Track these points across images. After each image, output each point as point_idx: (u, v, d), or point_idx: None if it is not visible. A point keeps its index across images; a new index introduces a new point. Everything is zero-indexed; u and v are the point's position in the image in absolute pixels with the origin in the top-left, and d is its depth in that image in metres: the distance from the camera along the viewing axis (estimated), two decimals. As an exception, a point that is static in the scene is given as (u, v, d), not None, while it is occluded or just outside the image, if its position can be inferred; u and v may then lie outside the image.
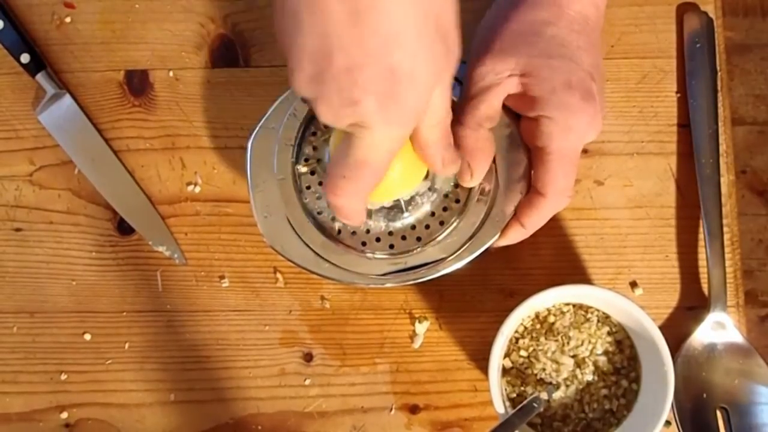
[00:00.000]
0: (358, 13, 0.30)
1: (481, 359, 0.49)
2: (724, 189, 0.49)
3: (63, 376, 0.50)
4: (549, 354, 0.44)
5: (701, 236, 0.49)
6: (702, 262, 0.49)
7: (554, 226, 0.50)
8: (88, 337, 0.50)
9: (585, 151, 0.50)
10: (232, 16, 0.52)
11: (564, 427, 0.45)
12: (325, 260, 0.44)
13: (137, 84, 0.52)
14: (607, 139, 0.50)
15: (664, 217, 0.50)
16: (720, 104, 0.50)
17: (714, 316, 0.47)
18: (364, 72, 0.31)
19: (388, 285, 0.44)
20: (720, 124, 0.50)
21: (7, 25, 0.50)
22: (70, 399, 0.50)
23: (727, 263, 0.48)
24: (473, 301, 0.49)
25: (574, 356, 0.45)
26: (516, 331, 0.46)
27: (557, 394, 0.45)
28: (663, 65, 0.51)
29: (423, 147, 0.38)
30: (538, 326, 0.45)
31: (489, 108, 0.41)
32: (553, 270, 0.49)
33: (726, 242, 0.48)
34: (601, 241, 0.49)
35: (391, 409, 0.49)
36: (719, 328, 0.47)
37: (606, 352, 0.45)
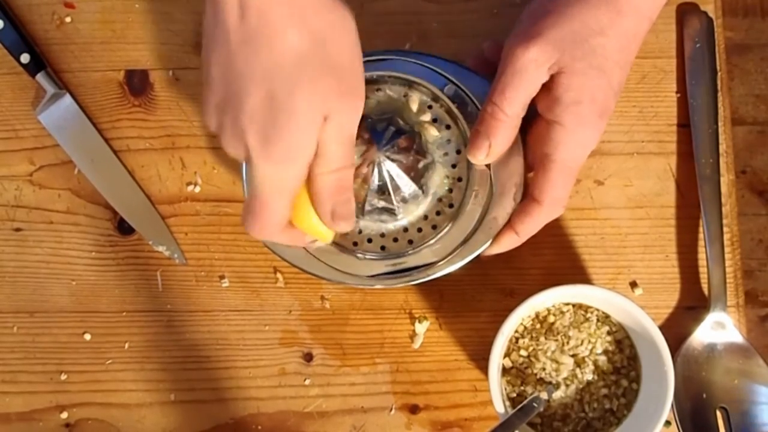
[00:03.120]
0: (250, 35, 0.31)
1: (480, 359, 0.49)
2: (724, 189, 0.49)
3: (63, 376, 0.50)
4: (549, 354, 0.44)
5: (701, 236, 0.49)
6: (702, 262, 0.49)
7: (554, 226, 0.49)
8: (88, 337, 0.50)
9: (585, 151, 0.50)
10: (232, 16, 0.52)
11: (564, 426, 0.45)
12: (317, 259, 0.44)
13: (137, 84, 0.52)
14: (607, 139, 0.50)
15: (664, 217, 0.50)
16: (720, 104, 0.50)
17: (714, 316, 0.47)
18: (249, 99, 0.32)
19: (378, 286, 0.44)
20: (720, 123, 0.50)
21: (7, 25, 0.50)
22: (70, 399, 0.50)
23: (727, 263, 0.48)
24: (473, 301, 0.49)
25: (573, 356, 0.45)
26: (516, 331, 0.46)
27: (557, 394, 0.45)
28: (663, 65, 0.51)
29: (312, 194, 0.36)
30: (538, 326, 0.45)
31: (525, 95, 0.39)
32: (553, 270, 0.49)
33: (726, 242, 0.48)
34: (601, 241, 0.49)
35: (391, 409, 0.49)
36: (719, 328, 0.47)
37: (606, 352, 0.45)
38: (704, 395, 0.47)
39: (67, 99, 0.51)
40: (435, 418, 0.49)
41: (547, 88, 0.39)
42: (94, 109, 0.52)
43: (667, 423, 0.47)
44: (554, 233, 0.49)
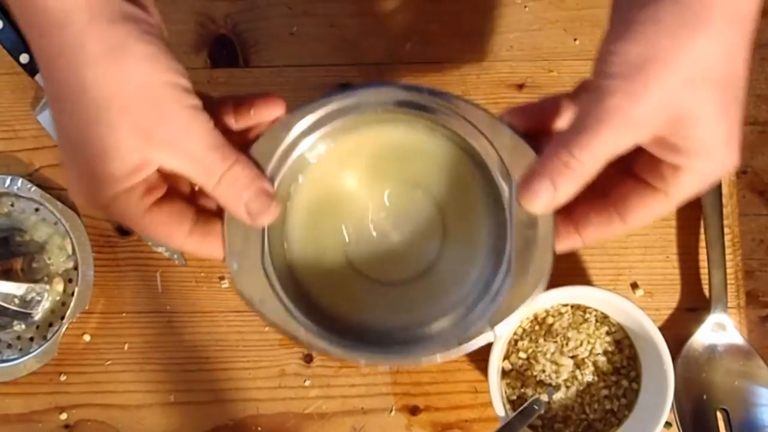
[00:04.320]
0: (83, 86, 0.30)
1: (480, 360, 0.48)
2: (725, 189, 0.49)
3: (62, 377, 0.50)
4: (548, 355, 0.44)
5: (702, 237, 0.49)
6: (703, 263, 0.49)
7: (555, 226, 0.49)
8: (87, 338, 0.50)
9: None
10: (232, 16, 0.52)
11: (565, 428, 0.45)
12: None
13: (137, 84, 0.52)
14: (607, 139, 0.50)
15: (664, 218, 0.49)
16: (721, 105, 0.50)
17: (714, 318, 0.47)
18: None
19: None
20: (721, 124, 0.49)
21: (6, 25, 0.50)
22: (70, 400, 0.50)
23: (728, 264, 0.48)
24: (473, 302, 0.49)
25: (573, 357, 0.45)
26: (515, 333, 0.45)
27: (557, 396, 0.44)
28: (664, 66, 0.51)
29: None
30: (537, 328, 0.45)
31: (617, 151, 0.31)
32: (554, 271, 0.49)
33: (727, 243, 0.48)
34: (602, 242, 0.49)
35: (391, 411, 0.49)
36: (720, 330, 0.47)
37: (605, 352, 0.45)
38: (705, 397, 0.47)
39: (67, 99, 0.51)
40: (435, 420, 0.49)
41: (664, 138, 0.31)
42: (93, 110, 0.51)
43: (668, 424, 0.47)
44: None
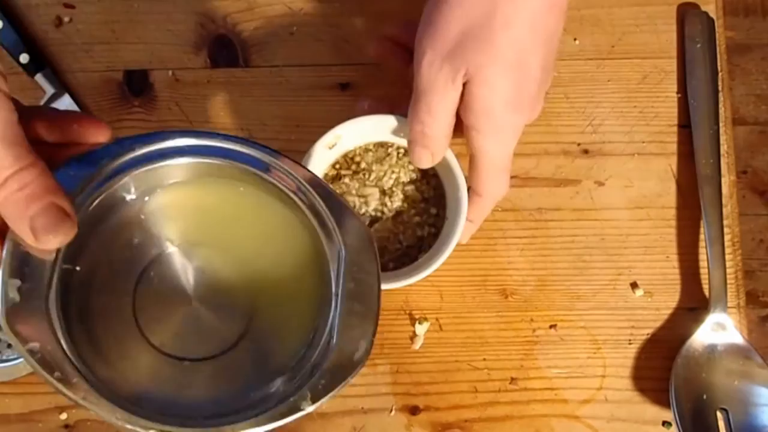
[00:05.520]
0: None
1: (481, 360, 0.48)
2: (725, 189, 0.49)
3: (62, 377, 0.50)
4: (354, 192, 0.46)
5: (702, 237, 0.49)
6: (703, 263, 0.49)
7: (555, 226, 0.49)
8: (87, 337, 0.50)
9: (585, 152, 0.50)
10: (232, 16, 0.52)
11: (382, 257, 0.46)
12: None
13: (137, 84, 0.52)
14: (607, 139, 0.50)
15: (664, 218, 0.49)
16: (721, 104, 0.50)
17: (714, 317, 0.47)
18: None
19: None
20: (721, 124, 0.50)
21: (6, 25, 0.50)
22: (70, 400, 0.50)
23: (728, 264, 0.48)
24: (473, 301, 0.49)
25: (377, 187, 0.46)
26: (326, 176, 0.47)
27: (375, 227, 0.46)
28: (664, 65, 0.51)
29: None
30: (344, 171, 0.47)
31: (448, 110, 0.40)
32: (554, 270, 0.49)
33: (727, 243, 0.48)
34: (602, 242, 0.49)
35: (391, 410, 0.49)
36: (720, 329, 0.47)
37: (412, 181, 0.47)
38: (705, 396, 0.47)
39: (67, 99, 0.51)
40: (435, 420, 0.49)
41: (463, 100, 0.39)
42: (93, 110, 0.52)
43: (668, 424, 0.47)
44: (555, 233, 0.49)
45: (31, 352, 0.29)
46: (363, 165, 0.47)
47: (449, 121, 0.40)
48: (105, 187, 0.32)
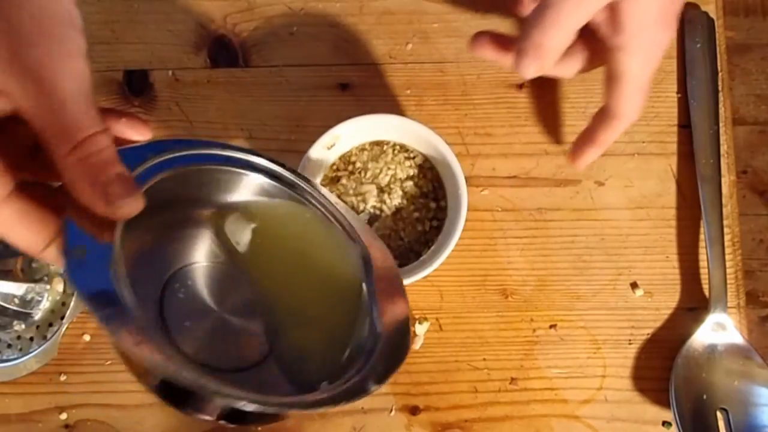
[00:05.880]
0: None
1: (481, 360, 0.48)
2: (725, 189, 0.49)
3: (62, 377, 0.50)
4: (351, 192, 0.46)
5: (702, 237, 0.49)
6: (703, 263, 0.49)
7: (555, 226, 0.49)
8: (87, 338, 0.50)
9: (585, 152, 0.50)
10: (232, 16, 0.52)
11: None
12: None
13: (137, 84, 0.52)
14: (607, 139, 0.50)
15: (664, 218, 0.49)
16: (721, 104, 0.50)
17: (714, 317, 0.47)
18: None
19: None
20: (721, 124, 0.50)
21: (6, 25, 0.50)
22: (70, 400, 0.50)
23: (728, 264, 0.48)
24: (473, 301, 0.49)
25: (374, 184, 0.46)
26: (325, 177, 0.47)
27: (375, 225, 0.46)
28: (664, 65, 0.51)
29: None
30: (341, 172, 0.47)
31: (578, 23, 0.38)
32: (554, 270, 0.49)
33: (727, 243, 0.48)
34: (602, 242, 0.49)
35: (391, 410, 0.49)
36: (720, 329, 0.47)
37: (410, 177, 0.47)
38: (705, 396, 0.47)
39: (67, 99, 0.51)
40: (435, 420, 0.49)
41: (609, 11, 0.38)
42: (93, 110, 0.52)
43: (668, 424, 0.47)
44: (555, 233, 0.49)
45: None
46: (359, 164, 0.47)
47: (572, 37, 0.39)
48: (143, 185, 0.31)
